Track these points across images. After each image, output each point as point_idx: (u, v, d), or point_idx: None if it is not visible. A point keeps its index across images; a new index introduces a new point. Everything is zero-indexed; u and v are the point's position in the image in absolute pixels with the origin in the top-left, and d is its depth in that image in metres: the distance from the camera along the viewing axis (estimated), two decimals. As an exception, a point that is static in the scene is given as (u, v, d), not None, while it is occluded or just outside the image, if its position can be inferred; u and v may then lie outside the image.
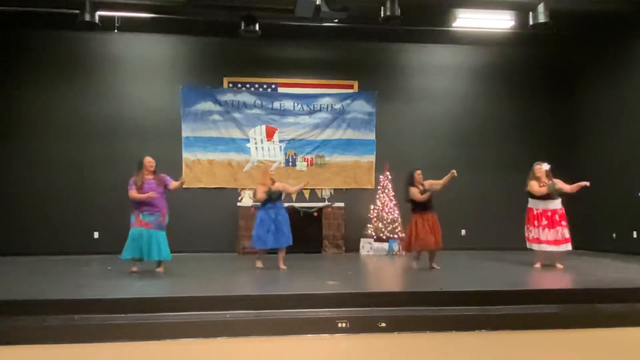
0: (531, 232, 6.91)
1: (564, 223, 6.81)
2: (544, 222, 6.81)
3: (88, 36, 9.53)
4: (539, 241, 6.84)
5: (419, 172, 6.92)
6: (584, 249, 9.82)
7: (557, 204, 6.88)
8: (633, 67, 8.95)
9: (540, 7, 7.83)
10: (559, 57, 10.57)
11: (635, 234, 8.73)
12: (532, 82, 10.55)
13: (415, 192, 6.77)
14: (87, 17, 7.74)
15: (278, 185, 7.01)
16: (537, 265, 6.96)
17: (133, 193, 6.32)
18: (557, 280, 6.09)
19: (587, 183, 6.79)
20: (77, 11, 7.78)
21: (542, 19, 7.85)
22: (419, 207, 6.84)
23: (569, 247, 6.82)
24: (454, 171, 6.54)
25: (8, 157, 9.38)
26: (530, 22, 8.04)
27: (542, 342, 4.23)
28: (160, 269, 6.56)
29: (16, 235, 9.08)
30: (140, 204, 6.33)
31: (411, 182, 6.87)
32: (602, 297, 4.90)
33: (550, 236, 6.77)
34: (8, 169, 9.37)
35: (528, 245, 7.02)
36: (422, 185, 6.83)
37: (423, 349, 4.09)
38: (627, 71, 9.08)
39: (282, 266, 6.89)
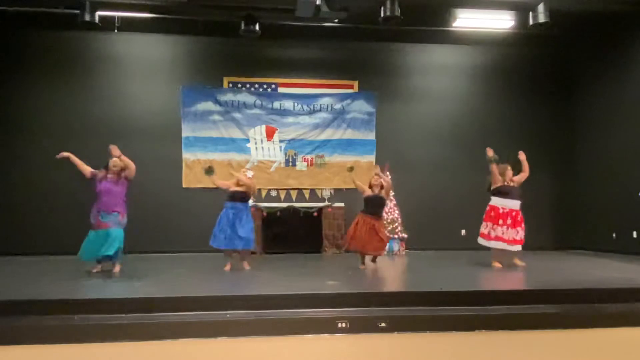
0: (495, 231, 6.90)
1: (522, 225, 6.91)
2: (509, 221, 6.87)
3: (88, 36, 9.54)
4: (503, 240, 6.87)
5: (376, 169, 7.29)
6: (584, 249, 9.84)
7: (518, 205, 6.95)
8: (633, 67, 8.95)
9: (540, 7, 7.85)
10: (559, 57, 10.58)
11: (635, 234, 8.72)
12: (532, 82, 10.55)
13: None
14: (87, 17, 7.77)
15: (244, 188, 6.81)
16: (497, 264, 6.98)
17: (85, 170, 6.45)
18: (557, 280, 6.08)
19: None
20: (77, 11, 7.79)
21: (542, 19, 7.86)
22: (367, 208, 6.95)
23: (520, 248, 6.92)
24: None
25: (8, 157, 9.39)
26: (530, 22, 8.05)
27: (542, 342, 4.22)
28: (116, 269, 6.44)
29: (16, 235, 9.09)
30: (98, 204, 6.37)
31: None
32: (602, 297, 4.90)
33: (510, 235, 6.85)
34: (8, 168, 9.38)
35: (484, 242, 7.01)
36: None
37: (423, 349, 4.08)
38: (627, 71, 9.08)
39: (246, 266, 6.81)
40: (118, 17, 8.85)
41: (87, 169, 6.50)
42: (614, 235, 9.21)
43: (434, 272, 6.86)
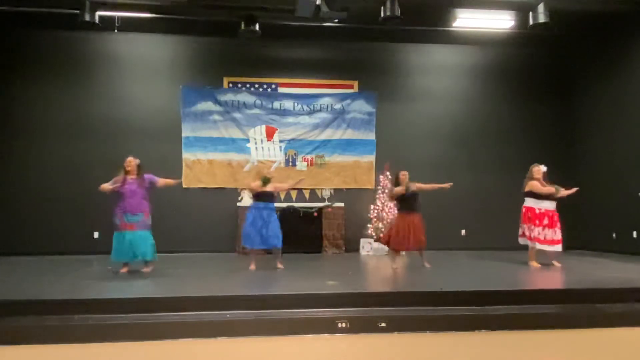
0: (532, 231, 6.99)
1: (559, 225, 7.02)
2: (546, 221, 6.95)
3: (88, 36, 9.54)
4: (540, 240, 6.97)
5: (403, 172, 7.10)
6: (584, 249, 9.83)
7: (554, 205, 7.07)
8: (632, 67, 8.95)
9: (540, 7, 7.84)
10: (559, 57, 10.57)
11: (635, 234, 8.72)
12: (532, 82, 10.55)
13: (397, 190, 6.97)
14: (87, 17, 7.76)
15: (271, 187, 6.95)
16: (535, 264, 7.03)
17: (104, 185, 6.38)
18: (557, 280, 6.09)
19: (575, 189, 7.20)
20: (77, 11, 7.79)
21: (542, 19, 7.86)
22: (402, 207, 7.04)
23: (560, 248, 7.02)
24: (449, 185, 7.14)
25: (8, 157, 9.39)
26: (530, 22, 8.04)
27: (542, 342, 4.22)
28: (147, 269, 6.51)
29: (16, 235, 9.08)
30: (122, 206, 6.37)
31: (396, 182, 7.10)
32: (602, 297, 4.90)
33: (548, 235, 6.93)
34: (8, 169, 9.37)
35: (525, 242, 7.12)
36: (404, 185, 7.01)
37: (423, 349, 4.09)
38: (627, 71, 9.08)
39: (280, 265, 6.91)
40: (118, 17, 8.85)
41: (108, 187, 6.42)
42: (614, 235, 9.21)
43: (434, 272, 6.86)
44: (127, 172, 6.47)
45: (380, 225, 9.38)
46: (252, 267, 6.86)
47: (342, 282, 5.67)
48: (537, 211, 7.01)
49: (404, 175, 7.06)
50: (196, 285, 5.70)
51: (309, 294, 4.76)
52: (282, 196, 9.95)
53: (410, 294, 4.97)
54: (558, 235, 6.98)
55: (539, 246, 6.98)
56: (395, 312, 4.52)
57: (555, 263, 7.07)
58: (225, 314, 4.39)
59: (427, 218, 9.78)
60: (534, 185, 7.02)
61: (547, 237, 6.92)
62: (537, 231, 6.96)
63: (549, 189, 6.99)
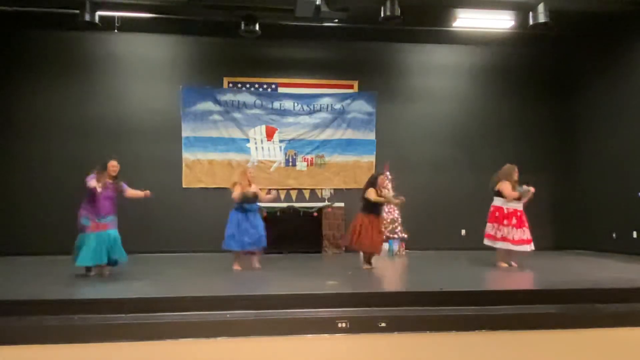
0: (501, 231, 6.90)
1: (527, 224, 6.91)
2: (514, 221, 6.86)
3: (88, 36, 9.55)
4: (509, 240, 6.86)
5: (382, 177, 7.05)
6: (584, 249, 9.84)
7: (521, 205, 6.94)
8: (633, 67, 8.94)
9: (540, 7, 7.84)
10: (559, 57, 10.58)
11: (635, 234, 8.72)
12: (532, 82, 10.55)
13: (371, 193, 6.77)
14: (87, 17, 7.76)
15: (254, 188, 6.79)
16: (503, 264, 6.98)
17: (93, 183, 6.08)
18: (558, 280, 6.09)
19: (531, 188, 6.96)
20: (77, 11, 7.79)
21: (542, 19, 7.86)
22: (368, 208, 6.83)
23: (532, 247, 6.91)
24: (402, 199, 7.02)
25: (8, 157, 9.39)
26: (530, 22, 8.04)
27: (542, 342, 4.22)
28: (108, 272, 6.28)
29: (16, 235, 9.08)
30: (95, 208, 6.18)
31: (373, 184, 6.86)
32: (602, 297, 4.90)
33: (516, 236, 6.84)
34: (8, 168, 9.37)
35: (490, 242, 7.02)
36: (381, 190, 6.91)
37: (423, 349, 4.08)
38: (627, 71, 9.07)
39: (257, 265, 6.83)
40: (118, 17, 8.85)
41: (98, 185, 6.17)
42: (614, 235, 9.21)
43: (434, 272, 6.86)
44: (110, 177, 6.30)
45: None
46: (237, 266, 6.79)
47: (342, 282, 5.67)
48: (505, 210, 6.91)
49: (383, 179, 7.01)
50: (196, 285, 5.70)
51: (309, 294, 4.76)
52: (282, 196, 9.95)
53: (410, 294, 4.98)
54: (527, 234, 6.86)
55: (508, 247, 6.86)
56: (395, 312, 4.53)
57: (514, 264, 7.00)
58: (225, 314, 4.40)
59: (428, 218, 9.88)
60: (505, 188, 6.88)
61: (515, 237, 6.83)
62: (505, 231, 6.86)
63: (515, 194, 6.84)
